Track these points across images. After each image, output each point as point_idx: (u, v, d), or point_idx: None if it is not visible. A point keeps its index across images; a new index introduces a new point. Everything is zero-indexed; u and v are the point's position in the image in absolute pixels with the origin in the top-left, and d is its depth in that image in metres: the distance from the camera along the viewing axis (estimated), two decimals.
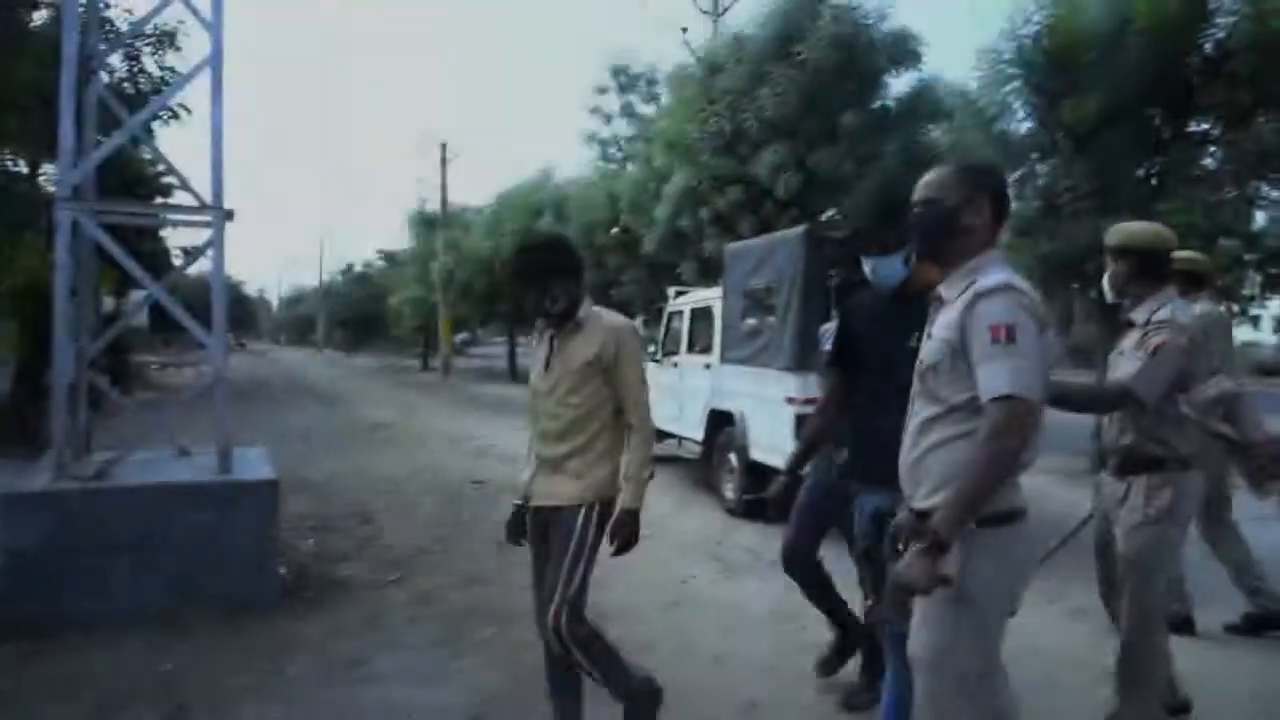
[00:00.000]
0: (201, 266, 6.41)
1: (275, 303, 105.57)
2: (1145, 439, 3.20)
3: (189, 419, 6.71)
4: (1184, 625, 4.74)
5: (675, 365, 9.48)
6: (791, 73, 12.73)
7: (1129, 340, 3.28)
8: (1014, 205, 10.58)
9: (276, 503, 5.05)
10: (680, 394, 9.29)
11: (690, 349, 9.26)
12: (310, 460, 10.55)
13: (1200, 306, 6.27)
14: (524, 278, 3.16)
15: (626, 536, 3.18)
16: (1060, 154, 10.19)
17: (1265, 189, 9.81)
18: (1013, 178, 10.89)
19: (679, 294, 10.31)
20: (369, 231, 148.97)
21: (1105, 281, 3.47)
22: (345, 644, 4.53)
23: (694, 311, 9.33)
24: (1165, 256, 3.35)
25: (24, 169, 15.86)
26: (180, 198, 7.32)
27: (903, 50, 13.21)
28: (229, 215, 4.86)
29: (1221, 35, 9.08)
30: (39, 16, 8.34)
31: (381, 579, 5.72)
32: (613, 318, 3.24)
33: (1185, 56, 9.24)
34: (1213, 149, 9.68)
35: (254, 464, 5.44)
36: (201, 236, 5.18)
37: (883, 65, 13.31)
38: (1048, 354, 2.18)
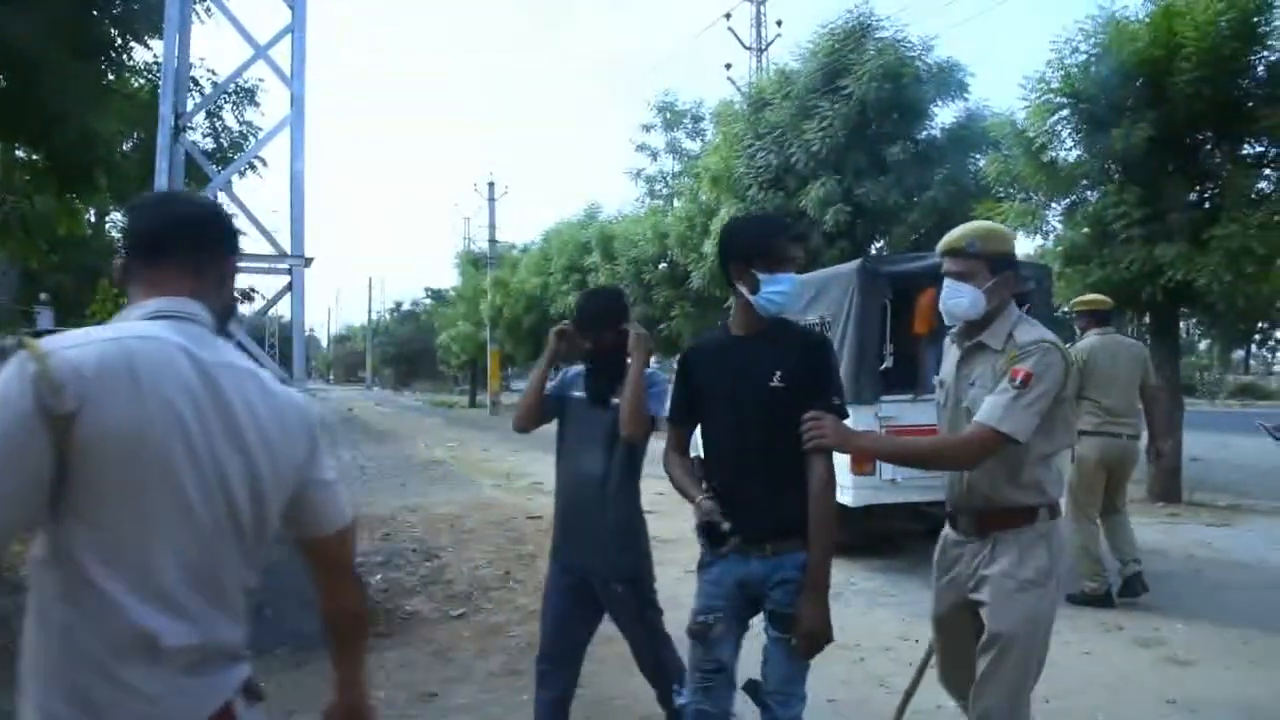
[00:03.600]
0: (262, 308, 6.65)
1: (325, 341, 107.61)
2: (1012, 486, 2.70)
3: None
4: (1105, 599, 5.87)
5: None
6: (838, 106, 12.85)
7: (979, 368, 2.76)
8: (1064, 233, 10.57)
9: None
10: None
11: None
12: (371, 496, 10.77)
13: (1091, 339, 6.34)
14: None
15: None
16: (1111, 181, 10.15)
17: None
18: (1062, 205, 10.87)
19: None
20: (417, 270, 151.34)
21: (946, 299, 2.80)
22: (418, 677, 4.66)
23: None
24: (1016, 263, 2.88)
25: (92, 218, 16.51)
26: (251, 244, 7.64)
27: (949, 81, 13.28)
28: (308, 262, 5.11)
29: (1275, 58, 9.03)
30: (135, 81, 8.85)
31: (448, 613, 5.85)
32: None
33: (1237, 80, 9.20)
34: (1267, 171, 9.58)
35: None
36: (269, 281, 5.44)
37: (929, 96, 13.38)
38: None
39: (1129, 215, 9.58)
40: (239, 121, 10.39)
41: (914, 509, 7.18)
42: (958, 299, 2.75)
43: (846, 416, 2.62)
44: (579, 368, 3.45)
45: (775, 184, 13.87)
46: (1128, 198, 9.63)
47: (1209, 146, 9.88)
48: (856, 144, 13.05)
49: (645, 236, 19.50)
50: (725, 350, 2.77)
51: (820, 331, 6.15)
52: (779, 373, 2.57)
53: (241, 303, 27.53)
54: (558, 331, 3.37)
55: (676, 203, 20.64)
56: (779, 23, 29.93)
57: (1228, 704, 4.29)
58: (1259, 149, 9.73)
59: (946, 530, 3.01)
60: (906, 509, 7.17)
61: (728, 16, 27.50)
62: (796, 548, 2.58)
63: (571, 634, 3.42)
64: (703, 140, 22.12)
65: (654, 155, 23.94)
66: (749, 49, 27.59)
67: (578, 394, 3.38)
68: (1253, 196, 9.36)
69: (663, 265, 19.65)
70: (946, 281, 2.79)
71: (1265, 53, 9.13)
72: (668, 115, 23.33)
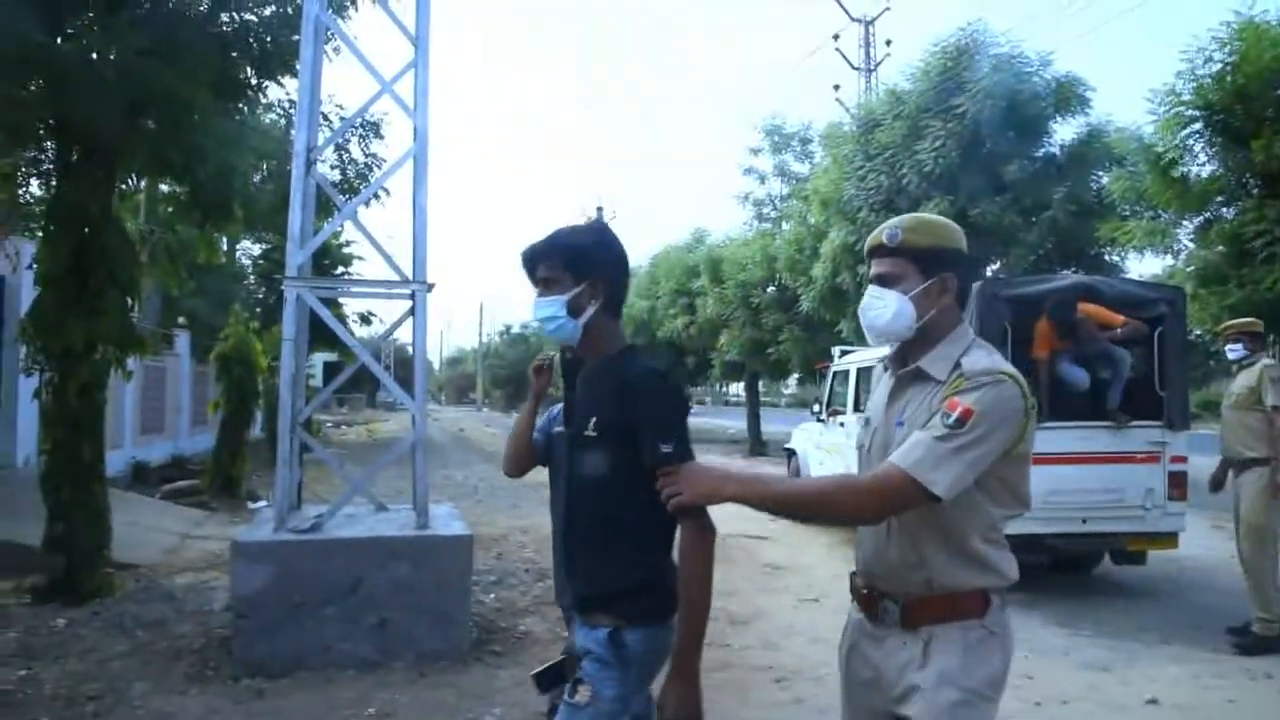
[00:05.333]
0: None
1: (437, 364, 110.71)
2: (954, 561, 1.97)
3: (373, 474, 7.17)
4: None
5: (841, 425, 9.42)
6: (951, 125, 12.60)
7: (913, 403, 2.06)
8: (1197, 252, 10.08)
9: (470, 557, 5.36)
10: (846, 453, 9.21)
11: (856, 408, 9.20)
12: (484, 516, 11.00)
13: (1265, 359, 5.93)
14: None
15: None
16: (1249, 196, 9.63)
17: None
18: (1195, 223, 10.37)
19: (844, 353, 10.28)
20: (527, 294, 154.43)
21: (863, 309, 2.15)
22: (532, 697, 4.72)
23: (860, 371, 9.27)
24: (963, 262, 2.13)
25: (225, 246, 17.49)
26: (368, 269, 7.95)
27: (1069, 96, 12.86)
28: (430, 288, 5.31)
29: None
30: (268, 118, 9.45)
31: (559, 634, 5.90)
32: None
33: None
34: None
35: (446, 520, 5.79)
36: (387, 306, 5.67)
37: (1048, 112, 12.99)
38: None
39: (1270, 232, 9.06)
40: (364, 153, 10.91)
41: (1038, 540, 6.91)
42: (877, 310, 2.07)
43: (688, 459, 2.12)
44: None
45: (887, 205, 13.64)
46: (1269, 214, 9.11)
47: None
48: (971, 163, 12.74)
49: (753, 260, 19.44)
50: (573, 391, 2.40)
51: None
52: (593, 419, 2.18)
53: (361, 325, 28.37)
54: (535, 368, 3.04)
55: (785, 225, 20.52)
56: (888, 42, 29.44)
57: None
58: None
59: (855, 614, 2.19)
60: (1029, 540, 6.90)
61: (836, 38, 27.33)
62: (601, 622, 2.16)
63: None
64: (811, 163, 21.97)
65: (762, 178, 23.89)
66: (857, 69, 27.32)
67: (560, 429, 3.03)
68: None
69: (771, 289, 19.55)
70: (868, 288, 2.13)
71: None
72: (775, 138, 23.26)
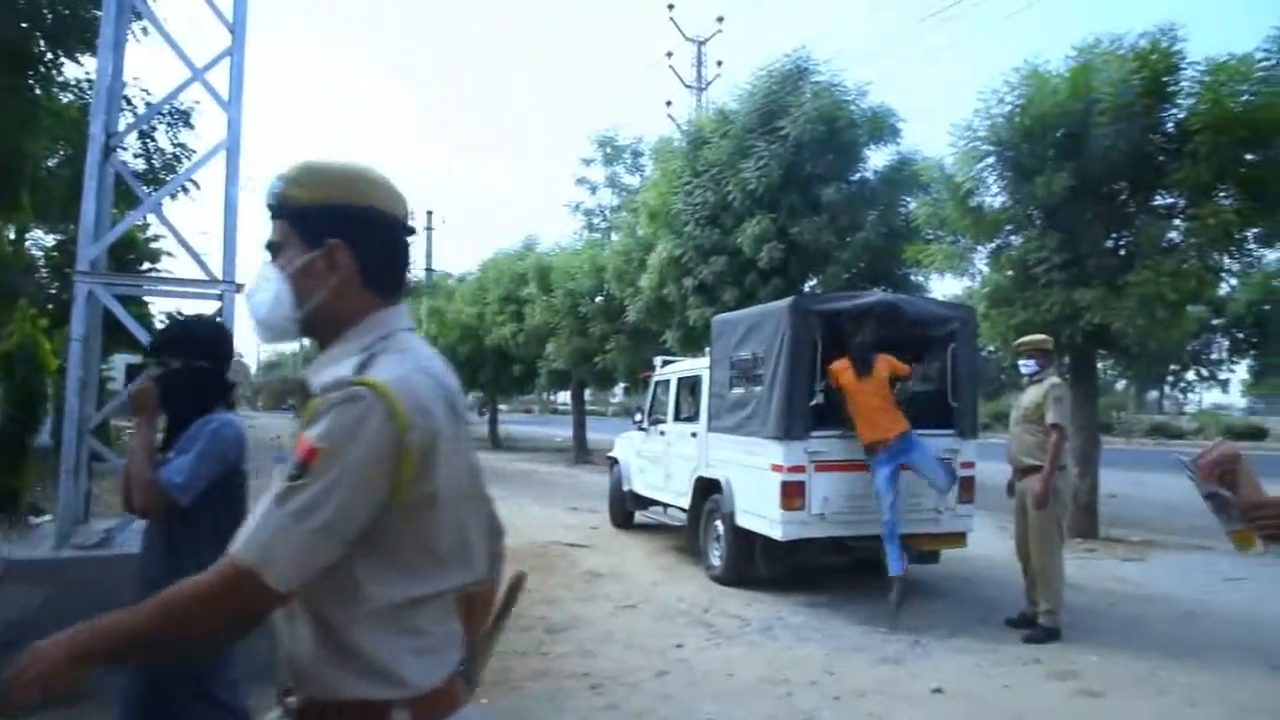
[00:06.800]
0: None
1: (254, 367, 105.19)
2: (332, 661, 1.37)
3: None
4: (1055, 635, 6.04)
5: (662, 433, 9.60)
6: (774, 147, 13.12)
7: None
8: (990, 276, 10.91)
9: None
10: (667, 462, 9.40)
11: (677, 417, 9.40)
12: None
13: (1054, 376, 6.72)
14: None
15: None
16: (1033, 226, 10.53)
17: (1226, 261, 10.17)
18: (988, 249, 11.22)
19: (666, 363, 10.48)
20: None
21: (247, 295, 1.59)
22: None
23: (681, 380, 9.50)
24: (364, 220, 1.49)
25: (11, 235, 15.99)
26: (178, 266, 7.45)
27: (882, 125, 13.65)
28: (239, 288, 5.03)
29: (1182, 115, 9.50)
30: (64, 97, 8.67)
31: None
32: None
33: (1149, 134, 9.65)
34: (1177, 222, 10.03)
35: None
36: (197, 306, 5.36)
37: (863, 140, 13.74)
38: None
39: (1050, 260, 9.94)
40: (173, 143, 10.25)
41: (840, 543, 7.31)
42: (259, 296, 1.50)
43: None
44: None
45: (712, 221, 14.07)
46: (1049, 243, 10.00)
47: (1124, 196, 10.32)
48: (791, 184, 13.31)
49: (582, 269, 19.55)
50: None
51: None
52: None
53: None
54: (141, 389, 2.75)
55: (614, 236, 20.77)
56: (719, 63, 30.47)
57: None
58: (1169, 200, 10.20)
59: None
60: (832, 543, 7.29)
61: (669, 55, 28.01)
62: None
63: None
64: (642, 176, 22.35)
65: (593, 189, 24.12)
66: (690, 87, 28.09)
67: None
68: (1164, 245, 9.80)
69: (599, 298, 19.71)
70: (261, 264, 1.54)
71: (1174, 110, 9.61)
72: (608, 150, 23.54)
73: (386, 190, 1.51)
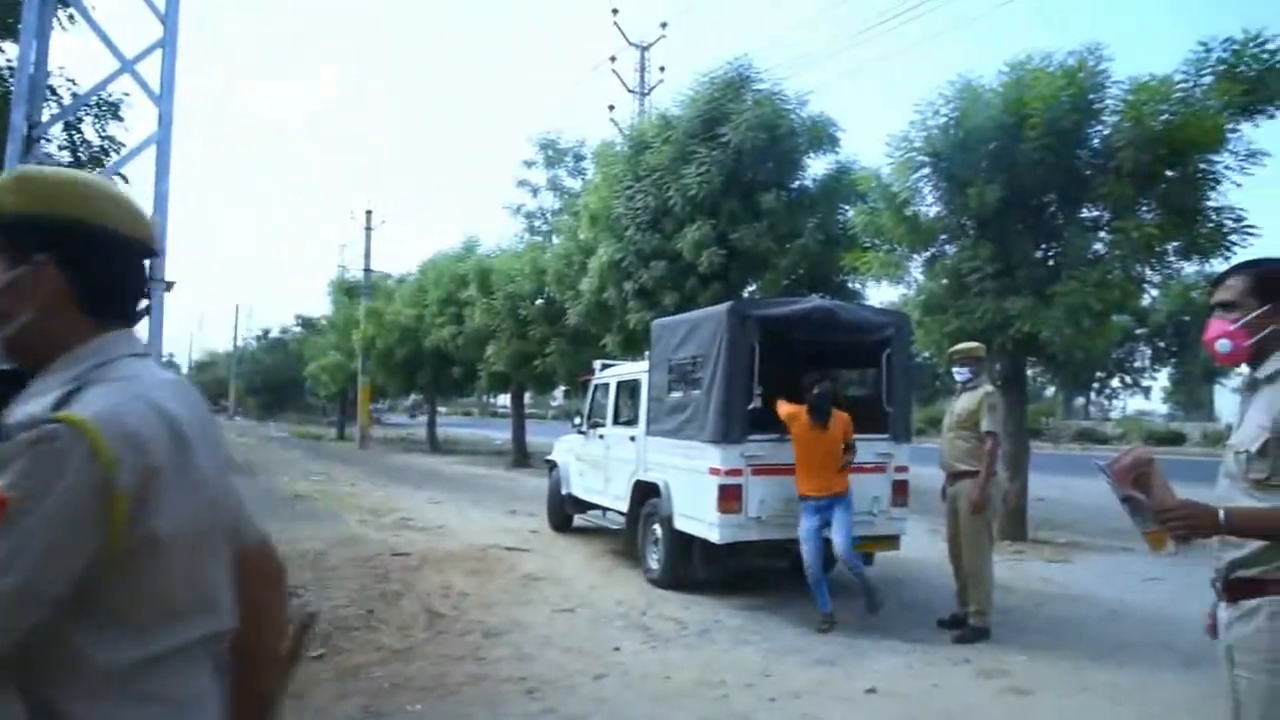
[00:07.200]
0: None
1: (185, 367, 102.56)
2: None
3: None
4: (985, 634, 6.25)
5: (601, 437, 9.61)
6: (715, 153, 13.23)
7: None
8: (925, 284, 11.15)
9: None
10: (606, 465, 9.40)
11: (616, 421, 9.41)
12: None
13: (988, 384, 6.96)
14: None
15: None
16: (966, 236, 10.79)
17: (1149, 273, 10.55)
18: (923, 257, 11.46)
19: (605, 366, 10.49)
20: (288, 298, 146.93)
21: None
22: None
23: (620, 384, 9.51)
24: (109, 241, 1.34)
25: None
26: None
27: (821, 134, 13.86)
28: (169, 286, 4.91)
29: (1107, 132, 9.83)
30: None
31: (305, 654, 5.64)
32: None
33: (1076, 150, 9.97)
34: (1102, 234, 10.37)
35: None
36: None
37: (802, 148, 13.93)
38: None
39: (982, 269, 10.21)
40: (100, 135, 9.93)
41: (778, 546, 7.40)
42: None
43: None
44: None
45: (653, 225, 14.14)
46: (981, 253, 10.26)
47: (1053, 209, 10.64)
48: (732, 190, 13.45)
49: (523, 272, 19.48)
50: None
51: None
52: None
53: None
54: None
55: (555, 240, 20.73)
56: (662, 69, 30.68)
57: None
58: (1095, 213, 10.54)
59: None
60: (770, 546, 7.37)
61: (613, 59, 28.08)
62: None
63: None
64: (584, 179, 22.35)
65: (535, 191, 24.03)
66: (633, 92, 28.18)
67: None
68: (1090, 257, 10.12)
69: (540, 301, 19.66)
70: None
71: (1100, 127, 9.94)
72: (550, 153, 23.48)
73: (118, 205, 1.36)
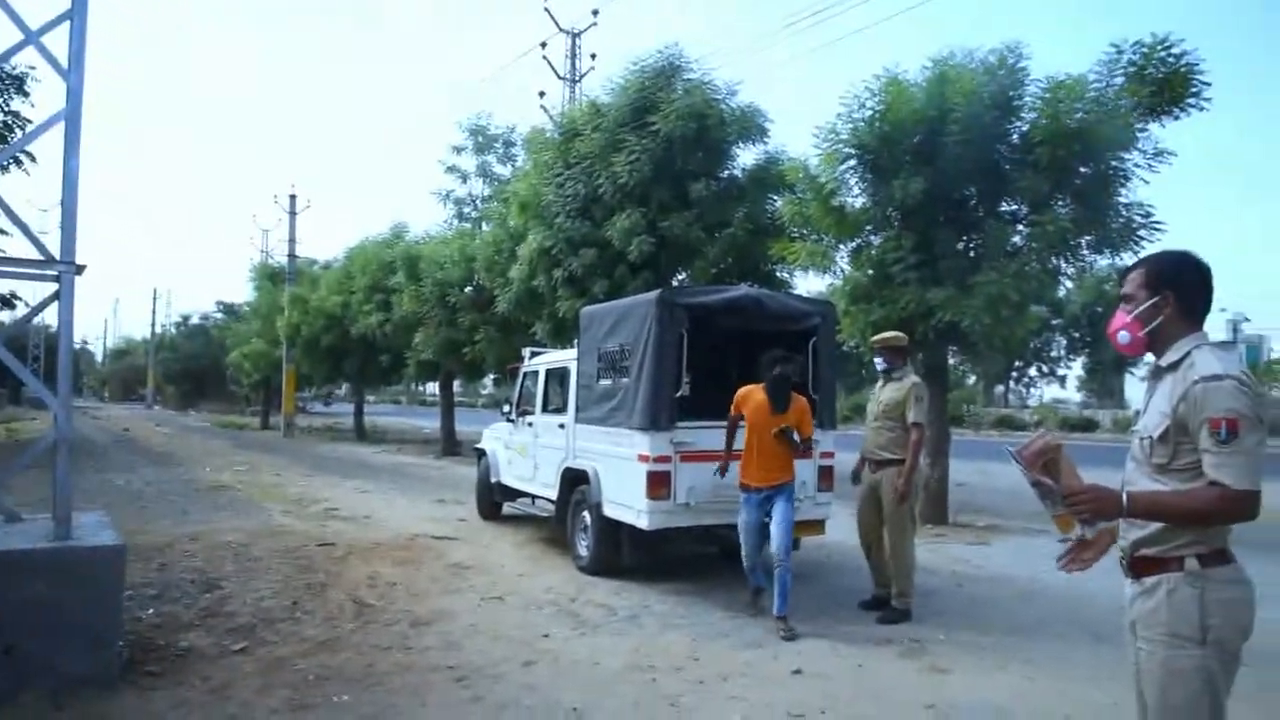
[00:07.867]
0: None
1: (100, 355, 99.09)
2: None
3: (2, 479, 6.31)
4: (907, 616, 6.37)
5: (530, 425, 9.57)
6: (645, 141, 13.25)
7: None
8: (851, 274, 11.33)
9: (121, 570, 4.82)
10: (535, 453, 9.38)
11: (545, 408, 9.39)
12: (147, 524, 10.01)
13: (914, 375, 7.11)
14: None
15: None
16: (891, 227, 11.01)
17: (1064, 265, 10.92)
18: (850, 248, 11.66)
19: (534, 354, 10.44)
20: (208, 283, 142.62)
21: None
22: (192, 718, 4.37)
23: (549, 372, 9.48)
24: None
25: None
26: (15, 246, 6.92)
27: (750, 125, 13.97)
28: (79, 269, 4.71)
29: (1025, 128, 10.13)
30: None
31: (228, 648, 5.52)
32: None
33: (996, 144, 10.24)
34: (1020, 227, 10.69)
35: (94, 529, 5.17)
36: (34, 287, 5.02)
37: (732, 138, 14.02)
38: None
39: (906, 260, 10.43)
40: (4, 111, 9.52)
41: (706, 532, 7.46)
42: None
43: None
44: None
45: (583, 213, 14.11)
46: (905, 243, 10.49)
47: (974, 202, 10.91)
48: (662, 179, 13.49)
49: (452, 259, 19.26)
50: None
51: None
52: None
53: (2, 310, 24.77)
54: None
55: (485, 226, 20.54)
56: (593, 56, 30.48)
57: (978, 706, 4.73)
58: (1014, 207, 10.85)
59: None
60: (700, 532, 7.43)
61: (543, 45, 27.84)
62: None
63: None
64: (514, 166, 22.17)
65: (464, 178, 23.76)
66: (563, 79, 28.01)
67: None
68: (1009, 249, 10.42)
69: (469, 289, 19.47)
70: None
71: (1019, 123, 10.24)
72: (479, 139, 23.23)
73: None
